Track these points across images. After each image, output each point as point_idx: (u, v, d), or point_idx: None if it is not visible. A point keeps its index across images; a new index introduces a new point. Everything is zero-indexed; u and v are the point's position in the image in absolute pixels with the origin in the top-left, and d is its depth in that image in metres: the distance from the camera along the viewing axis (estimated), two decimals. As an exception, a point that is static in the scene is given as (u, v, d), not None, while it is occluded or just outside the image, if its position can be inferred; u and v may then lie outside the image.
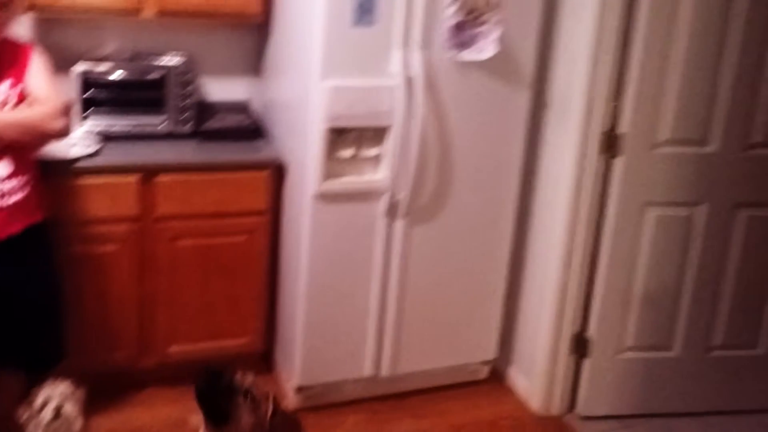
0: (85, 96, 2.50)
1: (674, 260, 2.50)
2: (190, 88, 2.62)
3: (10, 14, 1.99)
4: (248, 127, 2.71)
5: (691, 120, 2.37)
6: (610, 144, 2.39)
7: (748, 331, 2.64)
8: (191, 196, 2.45)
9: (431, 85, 2.31)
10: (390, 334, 2.56)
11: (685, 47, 2.29)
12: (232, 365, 2.21)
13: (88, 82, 2.50)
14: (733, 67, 2.33)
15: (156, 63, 2.60)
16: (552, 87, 2.51)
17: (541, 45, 2.46)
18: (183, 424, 2.33)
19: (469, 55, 2.31)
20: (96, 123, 2.53)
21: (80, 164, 2.33)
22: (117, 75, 2.54)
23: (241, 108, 2.89)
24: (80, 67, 2.50)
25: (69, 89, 2.43)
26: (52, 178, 2.23)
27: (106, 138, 2.51)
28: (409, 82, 2.26)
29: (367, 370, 2.57)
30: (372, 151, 2.36)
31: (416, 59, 2.26)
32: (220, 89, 2.92)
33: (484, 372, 2.83)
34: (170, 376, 2.56)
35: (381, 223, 2.42)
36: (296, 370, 2.51)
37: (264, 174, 2.53)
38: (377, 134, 2.33)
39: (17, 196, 1.98)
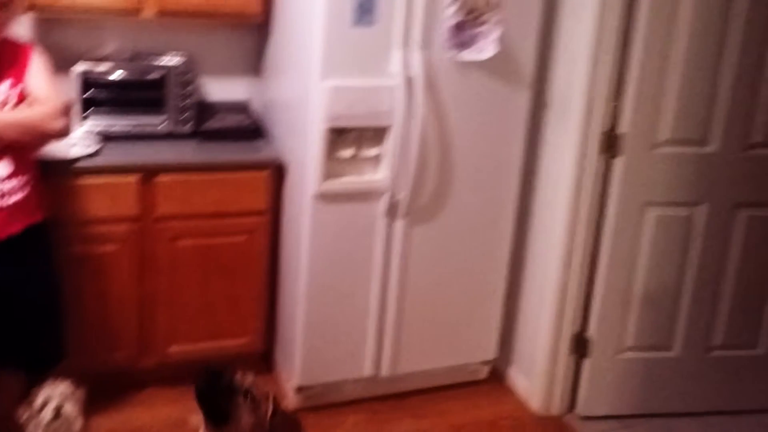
0: (85, 96, 2.50)
1: (674, 260, 2.50)
2: (190, 88, 2.62)
3: (10, 14, 1.99)
4: (248, 127, 2.71)
5: (691, 120, 2.37)
6: (610, 144, 2.39)
7: (748, 331, 2.64)
8: (191, 196, 2.45)
9: (431, 85, 2.31)
10: (390, 334, 2.56)
11: (685, 47, 2.29)
12: (232, 365, 2.21)
13: (88, 82, 2.50)
14: (733, 67, 2.33)
15: (156, 63, 2.60)
16: (552, 87, 2.51)
17: (541, 45, 2.46)
18: (183, 424, 2.33)
19: (469, 55, 2.31)
20: (96, 123, 2.53)
21: (80, 164, 2.33)
22: (117, 75, 2.54)
23: (241, 108, 2.89)
24: (80, 67, 2.50)
25: (69, 89, 2.43)
26: (52, 178, 2.23)
27: (106, 138, 2.50)
28: (409, 82, 2.26)
29: (367, 370, 2.57)
30: (372, 151, 2.36)
31: (416, 59, 2.26)
32: (220, 89, 2.92)
33: (484, 372, 2.83)
34: (170, 376, 2.56)
35: (381, 223, 2.42)
36: (296, 370, 2.51)
37: (264, 174, 2.53)
38: (377, 134, 2.33)
39: (17, 196, 1.98)
